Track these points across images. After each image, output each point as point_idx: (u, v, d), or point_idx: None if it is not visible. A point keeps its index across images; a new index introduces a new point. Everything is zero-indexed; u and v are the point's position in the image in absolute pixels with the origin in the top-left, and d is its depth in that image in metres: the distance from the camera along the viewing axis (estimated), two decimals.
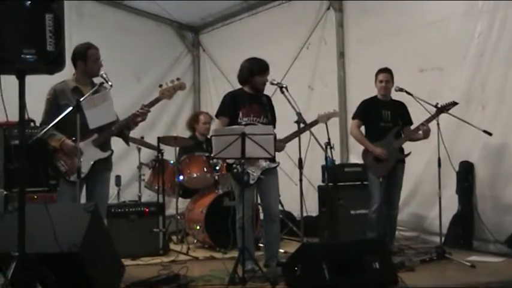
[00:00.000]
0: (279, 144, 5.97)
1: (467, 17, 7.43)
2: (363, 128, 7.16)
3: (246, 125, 5.89)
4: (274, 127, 6.17)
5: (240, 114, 6.03)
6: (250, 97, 6.14)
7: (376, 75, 7.04)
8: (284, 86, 5.85)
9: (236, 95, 6.20)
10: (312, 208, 7.75)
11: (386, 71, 7.01)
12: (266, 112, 6.12)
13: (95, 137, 5.48)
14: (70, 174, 5.37)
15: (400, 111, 7.05)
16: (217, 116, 6.19)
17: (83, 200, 5.50)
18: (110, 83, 5.38)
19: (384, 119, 6.99)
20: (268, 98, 6.23)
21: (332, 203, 7.50)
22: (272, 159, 6.04)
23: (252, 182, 5.94)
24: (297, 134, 6.07)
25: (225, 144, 5.47)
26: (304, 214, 6.12)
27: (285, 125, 6.28)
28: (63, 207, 5.06)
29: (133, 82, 10.69)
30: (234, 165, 5.83)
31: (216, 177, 7.87)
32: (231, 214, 6.52)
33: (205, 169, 7.88)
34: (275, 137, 5.87)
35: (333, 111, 6.58)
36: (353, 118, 7.21)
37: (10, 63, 3.65)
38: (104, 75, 5.42)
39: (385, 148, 6.87)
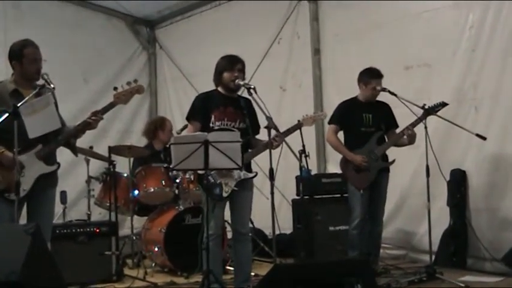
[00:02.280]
0: (278, 139, 5.88)
1: (458, 7, 7.51)
2: (341, 134, 7.16)
3: (218, 130, 5.87)
4: (257, 133, 6.17)
5: (213, 118, 6.00)
6: (225, 99, 6.11)
7: (368, 79, 6.97)
8: (252, 86, 5.82)
9: (208, 97, 6.16)
10: (286, 225, 7.75)
11: (381, 77, 6.99)
12: (243, 116, 6.08)
13: (38, 148, 5.37)
14: (9, 192, 5.24)
15: (383, 114, 7.08)
16: (187, 119, 6.17)
17: (23, 220, 5.40)
18: (52, 85, 5.28)
19: (365, 124, 7.00)
20: (248, 102, 6.17)
21: (308, 218, 7.51)
22: (248, 169, 6.03)
23: (225, 194, 5.92)
24: (292, 130, 6.09)
25: (186, 154, 5.42)
26: (277, 232, 6.08)
27: None
28: (0, 229, 4.96)
29: (81, 84, 10.62)
30: (206, 175, 5.77)
31: (176, 191, 7.82)
32: (197, 232, 6.47)
33: (163, 182, 7.83)
34: (248, 143, 5.86)
35: (320, 113, 6.58)
36: (329, 123, 7.20)
37: None
38: (45, 76, 5.32)
39: (366, 156, 6.89)
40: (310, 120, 6.34)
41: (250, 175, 6.07)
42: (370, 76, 6.99)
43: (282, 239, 7.82)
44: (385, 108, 7.11)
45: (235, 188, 5.95)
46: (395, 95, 6.76)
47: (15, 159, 5.03)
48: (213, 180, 5.80)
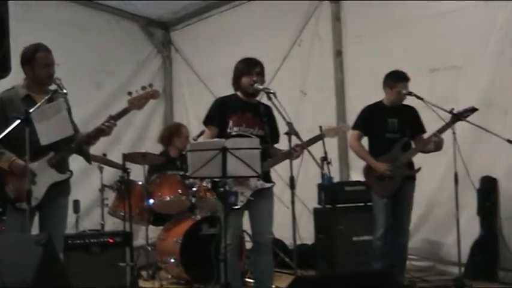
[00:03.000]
0: (298, 149, 5.87)
1: (487, 6, 7.46)
2: (365, 140, 7.15)
3: (236, 136, 5.89)
4: (276, 142, 6.19)
5: (230, 123, 6.02)
6: (243, 104, 6.13)
7: (394, 82, 6.95)
8: (272, 91, 5.82)
9: (226, 101, 6.19)
10: (307, 235, 7.75)
11: (407, 80, 6.97)
12: (262, 123, 6.08)
13: (50, 156, 5.41)
14: (20, 201, 5.26)
15: (409, 119, 7.04)
16: (204, 123, 6.19)
17: (35, 230, 5.44)
18: (64, 90, 5.31)
19: (390, 129, 6.97)
20: (268, 109, 6.16)
21: (330, 228, 7.50)
22: (266, 179, 6.03)
23: (240, 203, 5.92)
24: (312, 142, 6.06)
25: (203, 161, 5.42)
26: (298, 242, 6.09)
27: None
28: (10, 240, 4.99)
29: (93, 89, 10.66)
30: (221, 183, 5.78)
31: (193, 200, 7.83)
32: (214, 243, 6.49)
33: (179, 191, 7.84)
34: (266, 151, 5.86)
35: (342, 126, 6.56)
36: (353, 128, 7.18)
37: None
38: (58, 81, 5.34)
39: (391, 163, 6.86)
40: (332, 132, 6.31)
41: (267, 185, 6.06)
42: (396, 79, 6.96)
43: (303, 249, 7.83)
44: (412, 112, 7.08)
45: (251, 198, 5.96)
46: (421, 99, 6.72)
47: (27, 167, 5.05)
48: (228, 188, 5.79)
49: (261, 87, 5.96)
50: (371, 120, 7.06)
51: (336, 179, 8.42)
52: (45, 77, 5.40)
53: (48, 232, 4.93)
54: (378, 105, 7.11)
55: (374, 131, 7.05)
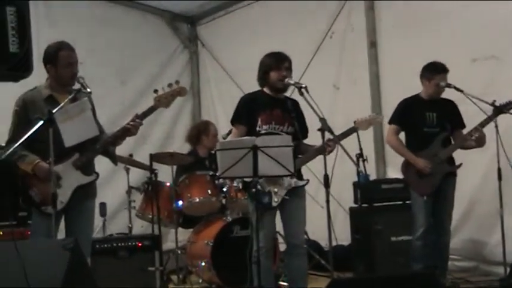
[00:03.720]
0: (331, 143, 5.85)
1: None
2: (402, 135, 7.12)
3: (265, 134, 5.90)
4: (305, 137, 6.19)
5: (259, 122, 6.03)
6: (271, 100, 6.13)
7: (432, 74, 6.91)
8: (303, 85, 5.80)
9: (254, 98, 6.20)
10: (343, 236, 7.73)
11: (446, 71, 6.92)
12: (291, 120, 6.09)
13: (75, 158, 5.44)
14: (46, 205, 5.29)
15: (449, 112, 7.00)
16: (232, 123, 6.20)
17: (61, 235, 5.49)
18: (88, 89, 5.34)
19: (429, 123, 6.94)
20: (295, 103, 6.20)
21: (367, 228, 7.48)
22: (299, 176, 6.03)
23: (275, 203, 5.93)
24: (346, 135, 6.06)
25: (233, 160, 5.44)
26: (334, 243, 6.09)
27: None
28: (37, 245, 5.03)
29: (118, 87, 10.71)
30: (254, 183, 5.78)
31: (224, 201, 7.85)
32: (248, 245, 6.48)
33: (209, 192, 7.86)
34: (297, 148, 5.85)
35: (375, 116, 6.51)
36: (390, 123, 7.17)
37: None
38: (81, 80, 5.37)
39: (430, 159, 6.83)
40: (366, 123, 6.28)
41: (301, 183, 6.06)
42: (434, 71, 6.92)
43: (339, 251, 7.81)
44: (451, 106, 7.04)
45: (286, 197, 5.96)
46: (461, 91, 6.68)
47: (51, 170, 5.09)
48: (261, 189, 5.79)
49: (292, 81, 5.95)
50: (408, 114, 7.03)
51: (373, 176, 8.40)
52: (68, 76, 5.42)
53: (75, 236, 4.98)
54: (416, 98, 7.08)
55: (412, 126, 7.02)
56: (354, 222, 7.93)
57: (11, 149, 5.14)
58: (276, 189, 5.93)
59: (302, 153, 6.09)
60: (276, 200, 5.91)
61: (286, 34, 9.62)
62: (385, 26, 9.04)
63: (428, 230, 6.83)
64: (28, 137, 5.05)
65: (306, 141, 6.22)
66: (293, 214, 6.05)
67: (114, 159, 5.81)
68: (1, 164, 5.18)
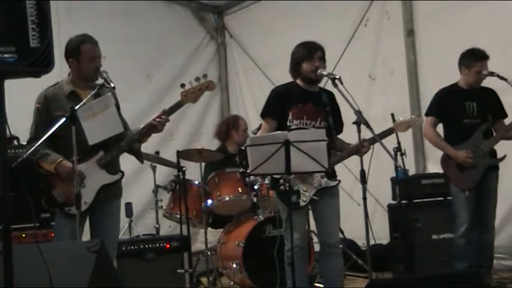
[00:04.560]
0: (366, 144, 5.83)
1: None
2: (440, 128, 7.07)
3: (296, 129, 5.88)
4: (340, 132, 6.19)
5: (290, 116, 6.02)
6: (304, 93, 6.12)
7: (472, 61, 6.85)
8: (337, 77, 5.78)
9: (285, 91, 6.19)
10: (381, 234, 7.71)
11: (487, 58, 6.86)
12: (325, 114, 6.07)
13: (100, 156, 5.47)
14: (69, 206, 5.32)
15: (490, 102, 6.95)
16: (262, 116, 6.20)
17: (86, 236, 5.52)
18: (112, 84, 5.36)
19: (468, 114, 6.88)
20: (331, 95, 6.17)
21: (407, 226, 7.46)
22: (331, 175, 6.02)
23: (302, 203, 5.92)
24: (382, 137, 5.98)
25: (265, 156, 5.43)
26: (371, 242, 6.07)
27: None
28: (61, 248, 5.06)
29: (143, 81, 10.79)
30: (283, 180, 5.79)
31: (255, 199, 7.85)
32: (277, 246, 6.50)
33: (240, 190, 7.86)
34: (331, 144, 5.85)
35: (414, 118, 6.45)
36: (427, 115, 7.11)
37: None
38: (105, 75, 5.39)
39: (471, 152, 6.78)
40: (404, 125, 6.23)
41: (332, 183, 6.04)
42: (474, 58, 6.87)
43: (378, 250, 7.78)
44: (491, 95, 6.98)
45: (315, 198, 5.96)
46: (505, 79, 6.62)
47: (75, 169, 5.12)
48: (289, 186, 5.77)
49: (325, 72, 5.93)
50: (447, 104, 6.98)
51: (412, 171, 8.36)
52: (91, 71, 5.45)
53: (101, 238, 5.00)
54: (454, 88, 7.03)
55: (451, 117, 6.97)
56: (392, 220, 7.91)
57: (33, 148, 5.17)
58: (305, 188, 5.93)
59: (336, 149, 6.08)
60: (304, 199, 5.91)
61: (318, 23, 9.61)
62: (423, 13, 9.00)
63: (471, 227, 6.79)
64: (50, 135, 5.10)
65: (341, 136, 6.20)
66: (325, 213, 6.04)
67: (140, 157, 5.82)
68: (23, 163, 5.16)
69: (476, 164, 6.78)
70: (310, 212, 6.31)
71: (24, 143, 5.82)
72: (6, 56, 3.56)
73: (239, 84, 11.76)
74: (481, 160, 6.79)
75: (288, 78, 6.25)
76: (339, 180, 6.10)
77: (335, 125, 6.09)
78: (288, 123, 5.98)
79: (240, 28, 11.71)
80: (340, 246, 6.21)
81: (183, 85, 5.57)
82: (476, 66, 6.82)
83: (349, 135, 6.09)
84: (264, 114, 6.17)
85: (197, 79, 5.59)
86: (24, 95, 5.88)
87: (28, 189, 4.69)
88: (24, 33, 3.64)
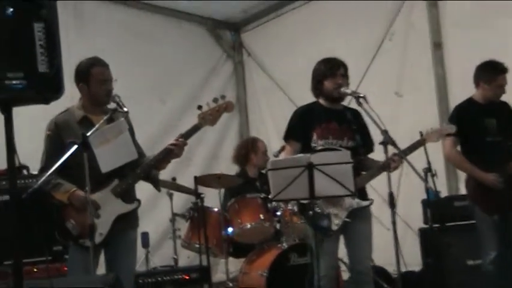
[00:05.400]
0: (396, 159, 5.82)
1: None
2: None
3: (322, 150, 5.88)
4: (371, 151, 6.19)
5: (314, 136, 6.02)
6: (328, 112, 6.14)
7: (493, 75, 6.84)
8: (361, 95, 5.80)
9: (308, 111, 6.21)
10: (413, 260, 7.67)
11: (507, 71, 6.84)
12: (351, 132, 6.08)
13: (114, 184, 5.47)
14: (84, 238, 5.29)
15: (506, 117, 6.93)
16: (285, 139, 6.21)
17: (101, 270, 5.53)
18: (125, 109, 5.38)
19: (491, 131, 6.84)
20: (356, 113, 6.18)
21: (440, 251, 7.41)
22: (362, 196, 6.01)
23: (335, 227, 5.91)
24: (412, 149, 5.97)
25: (287, 181, 5.43)
26: (402, 269, 6.04)
27: None
28: (75, 282, 5.09)
29: (157, 104, 10.79)
30: (311, 205, 5.77)
31: (278, 226, 7.84)
32: (307, 274, 6.46)
33: (261, 216, 7.86)
34: (360, 164, 5.86)
35: (446, 126, 6.40)
36: (446, 135, 6.98)
37: None
38: (117, 99, 5.41)
39: (498, 173, 6.73)
40: (436, 134, 6.19)
41: (364, 203, 6.04)
42: (494, 71, 6.85)
43: (409, 277, 7.74)
44: (507, 109, 6.96)
45: (347, 220, 5.94)
46: None
47: (88, 199, 5.11)
48: (319, 211, 5.77)
49: (348, 91, 5.95)
50: (466, 122, 6.85)
51: (444, 193, 8.33)
52: (102, 95, 5.47)
53: (116, 271, 5.01)
54: (471, 103, 6.99)
55: (471, 135, 6.88)
56: (424, 245, 7.87)
57: (44, 177, 5.14)
58: (336, 212, 5.91)
59: (367, 169, 6.07)
60: (336, 222, 5.89)
61: (340, 38, 9.62)
62: (451, 25, 8.99)
63: (502, 253, 6.72)
64: (62, 163, 5.08)
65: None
66: (357, 238, 6.03)
67: (157, 184, 5.82)
68: (33, 194, 5.18)
69: (505, 186, 6.72)
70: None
71: (35, 173, 5.84)
72: (14, 82, 3.57)
73: (258, 105, 11.75)
74: (508, 181, 6.72)
75: (309, 96, 6.27)
76: (372, 200, 6.10)
77: (365, 143, 6.09)
78: (313, 144, 5.98)
79: (258, 45, 11.72)
80: (371, 274, 6.19)
81: (200, 107, 5.58)
82: (497, 80, 6.81)
83: (375, 156, 6.09)
84: (286, 137, 6.18)
85: (215, 100, 5.60)
86: (33, 122, 5.90)
87: (39, 221, 4.73)
88: (32, 57, 3.66)
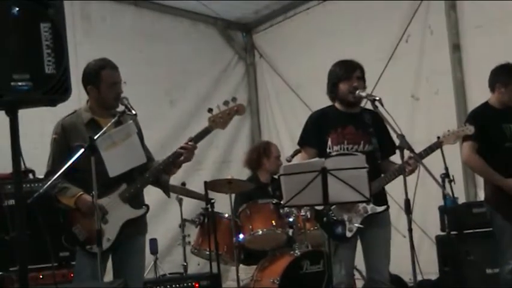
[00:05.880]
0: (412, 162, 5.77)
1: None
2: None
3: (337, 156, 5.86)
4: (392, 153, 6.16)
5: (329, 142, 6.01)
6: (343, 116, 6.12)
7: (506, 78, 6.83)
8: (377, 98, 5.78)
9: (323, 115, 6.20)
10: (430, 268, 7.66)
11: None
12: (368, 136, 6.06)
13: (122, 189, 5.47)
14: (91, 243, 5.32)
15: None
16: (300, 145, 6.20)
17: (109, 276, 5.53)
18: (133, 111, 5.38)
19: (508, 137, 6.82)
20: (374, 115, 6.06)
21: (458, 259, 7.39)
22: (379, 201, 5.98)
23: (349, 234, 5.90)
24: (430, 151, 5.95)
25: (300, 186, 5.41)
26: (419, 278, 6.03)
27: None
28: None
29: (167, 107, 10.80)
30: (325, 212, 5.75)
31: (290, 232, 7.83)
32: (319, 283, 6.45)
33: (273, 222, 7.85)
34: (378, 168, 5.88)
35: (465, 128, 6.34)
36: (464, 139, 6.88)
37: None
38: (125, 101, 5.42)
39: None
40: (453, 136, 6.15)
41: (380, 209, 6.01)
42: (511, 74, 6.85)
43: (426, 286, 7.72)
44: None
45: (362, 226, 5.93)
46: None
47: (95, 204, 5.12)
48: (334, 217, 5.76)
49: (364, 94, 5.93)
50: (484, 127, 6.79)
51: (461, 199, 8.30)
52: (111, 98, 5.48)
53: (124, 278, 5.01)
54: (487, 108, 6.97)
55: (489, 141, 6.83)
56: (441, 253, 7.85)
57: (50, 182, 5.17)
58: (351, 218, 5.90)
59: (384, 173, 6.04)
60: (350, 229, 5.88)
61: (355, 40, 9.60)
62: (469, 27, 8.94)
63: None
64: (68, 167, 5.09)
65: None
66: (374, 245, 6.02)
67: (167, 189, 5.82)
68: (40, 199, 5.16)
69: None
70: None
71: (41, 177, 5.84)
72: (20, 84, 3.57)
73: (270, 108, 11.72)
74: None
75: (323, 99, 6.25)
76: (388, 205, 6.08)
77: (383, 146, 6.07)
78: (328, 150, 5.98)
79: (270, 47, 11.70)
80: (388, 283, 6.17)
81: (210, 110, 5.58)
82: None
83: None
84: (301, 143, 6.18)
85: (226, 103, 5.59)
86: (39, 125, 5.91)
87: (46, 226, 4.74)
88: (38, 59, 3.65)
